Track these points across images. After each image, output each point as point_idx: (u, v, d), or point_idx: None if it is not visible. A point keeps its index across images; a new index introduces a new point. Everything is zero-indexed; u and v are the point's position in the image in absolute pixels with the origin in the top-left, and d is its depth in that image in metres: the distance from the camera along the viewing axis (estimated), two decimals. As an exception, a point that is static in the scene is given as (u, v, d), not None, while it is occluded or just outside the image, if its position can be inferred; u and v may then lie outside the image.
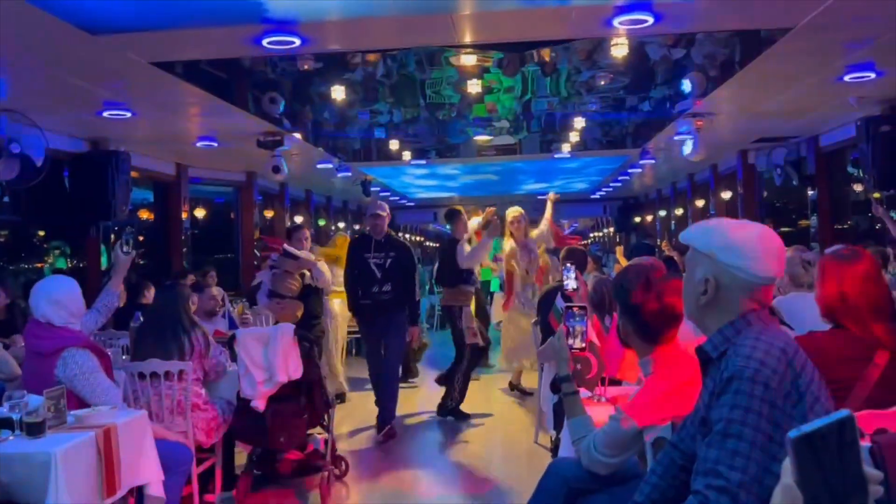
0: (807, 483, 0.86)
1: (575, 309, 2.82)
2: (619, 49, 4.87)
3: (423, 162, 10.59)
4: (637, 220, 17.50)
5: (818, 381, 1.75)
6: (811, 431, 0.84)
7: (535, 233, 7.35)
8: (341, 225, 15.79)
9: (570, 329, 2.78)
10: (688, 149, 7.60)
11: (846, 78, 5.54)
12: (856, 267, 2.59)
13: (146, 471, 3.31)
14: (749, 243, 1.78)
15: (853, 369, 2.42)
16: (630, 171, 12.26)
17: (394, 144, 9.18)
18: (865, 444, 2.11)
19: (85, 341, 3.53)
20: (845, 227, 9.38)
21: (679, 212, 13.97)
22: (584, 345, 2.79)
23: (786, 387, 1.66)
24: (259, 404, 4.26)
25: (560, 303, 4.93)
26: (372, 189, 13.02)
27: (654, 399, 2.36)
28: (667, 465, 2.06)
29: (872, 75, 5.45)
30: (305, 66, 5.10)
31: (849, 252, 2.78)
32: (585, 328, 2.79)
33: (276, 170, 7.97)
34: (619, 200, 18.03)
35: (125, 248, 4.13)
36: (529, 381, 7.41)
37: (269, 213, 11.67)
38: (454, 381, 6.72)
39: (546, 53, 5.47)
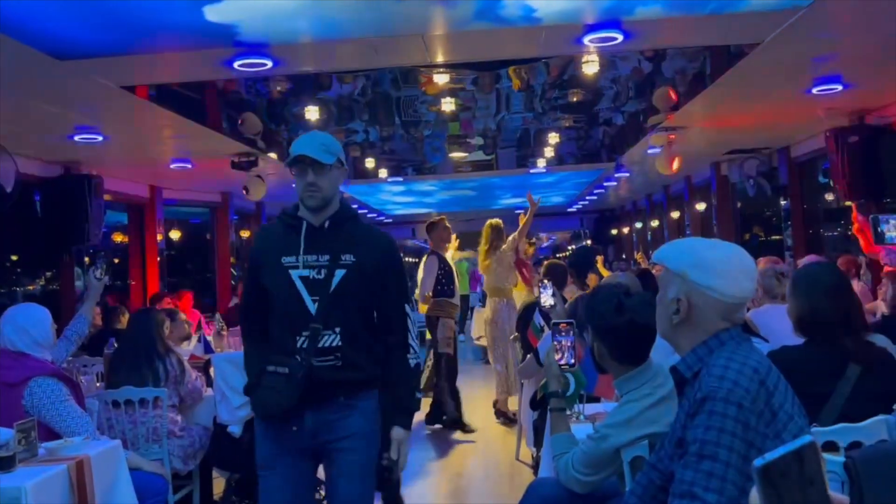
0: None
1: (561, 325, 2.85)
2: (591, 66, 4.91)
3: (400, 179, 10.60)
4: (614, 232, 17.59)
5: (792, 399, 1.76)
6: (775, 459, 0.83)
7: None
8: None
9: (558, 344, 2.81)
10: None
11: (814, 91, 5.61)
12: (826, 280, 2.62)
13: (121, 502, 3.24)
14: (721, 263, 1.79)
15: (826, 383, 2.44)
16: (605, 184, 12.33)
17: (370, 162, 9.18)
18: (839, 458, 2.12)
19: (52, 370, 3.47)
20: (821, 235, 9.48)
21: (655, 223, 14.07)
22: (572, 360, 2.80)
23: (759, 406, 1.66)
24: (236, 430, 4.21)
25: (538, 319, 4.95)
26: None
27: None
28: (645, 485, 2.05)
29: (840, 87, 5.53)
30: (279, 88, 5.09)
31: (819, 266, 2.81)
32: (572, 343, 2.81)
33: (247, 190, 7.93)
34: (596, 213, 18.12)
35: (98, 274, 4.08)
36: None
37: (245, 234, 11.60)
38: (443, 392, 6.81)
39: (520, 70, 5.51)
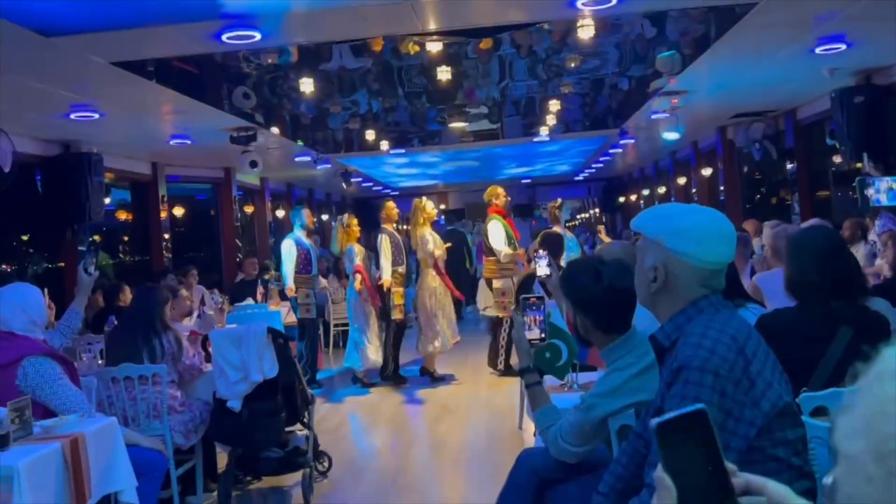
0: (673, 472, 0.86)
1: (532, 300, 2.80)
2: (586, 30, 4.82)
3: (402, 151, 10.52)
4: (622, 199, 17.48)
5: (773, 365, 1.72)
6: (670, 419, 0.83)
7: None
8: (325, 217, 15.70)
9: (528, 319, 2.76)
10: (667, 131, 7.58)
11: (817, 50, 5.50)
12: (817, 244, 2.57)
13: (118, 478, 3.26)
14: (697, 229, 1.74)
15: (817, 347, 2.41)
16: (611, 151, 12.22)
17: (370, 134, 9.11)
18: (825, 424, 2.09)
19: (44, 349, 3.46)
20: (830, 198, 9.34)
21: (662, 190, 13.95)
22: (542, 335, 2.76)
23: (737, 374, 1.63)
24: (236, 404, 4.22)
25: (538, 289, 4.92)
26: (354, 179, 12.96)
27: None
28: (630, 454, 2.03)
29: (843, 47, 5.42)
30: (269, 60, 5.04)
31: (813, 229, 2.75)
32: (543, 317, 2.76)
33: (254, 164, 7.95)
34: (604, 181, 17.99)
35: (89, 269, 4.08)
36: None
37: (249, 209, 11.59)
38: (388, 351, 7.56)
39: (519, 36, 5.41)
